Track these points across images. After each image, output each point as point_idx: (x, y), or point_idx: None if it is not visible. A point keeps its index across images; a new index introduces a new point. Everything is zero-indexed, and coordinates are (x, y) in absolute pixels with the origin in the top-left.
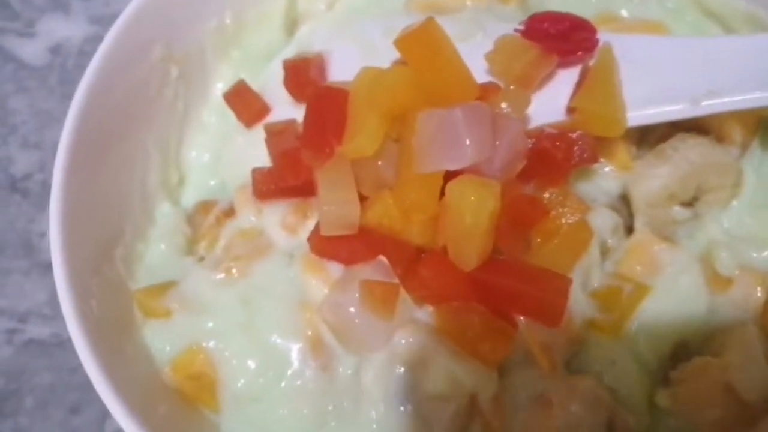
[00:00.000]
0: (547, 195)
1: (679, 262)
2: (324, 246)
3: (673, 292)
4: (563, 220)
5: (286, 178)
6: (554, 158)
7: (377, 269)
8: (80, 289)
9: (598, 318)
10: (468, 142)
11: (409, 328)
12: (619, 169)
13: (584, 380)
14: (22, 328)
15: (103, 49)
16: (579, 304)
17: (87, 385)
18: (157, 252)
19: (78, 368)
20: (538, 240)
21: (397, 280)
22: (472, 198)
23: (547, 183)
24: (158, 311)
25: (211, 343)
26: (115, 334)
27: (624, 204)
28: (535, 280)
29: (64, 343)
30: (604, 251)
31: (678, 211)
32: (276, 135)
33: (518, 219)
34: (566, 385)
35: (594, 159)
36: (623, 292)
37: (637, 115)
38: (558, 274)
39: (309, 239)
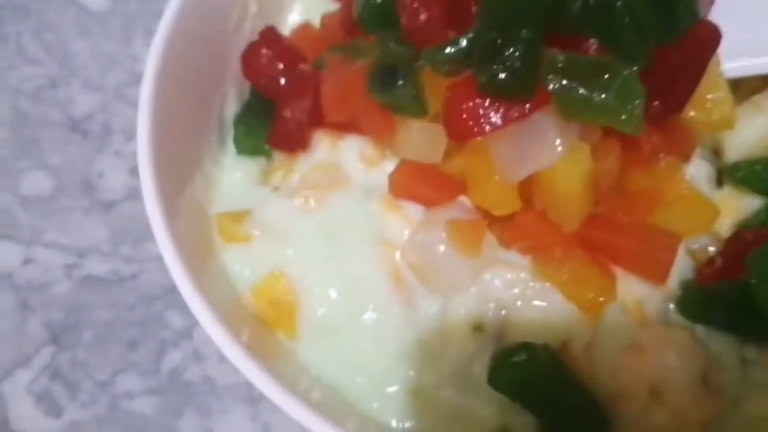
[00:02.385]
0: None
1: None
2: (404, 187)
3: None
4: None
5: (331, 114)
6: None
7: (459, 209)
8: (168, 207)
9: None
10: (558, 141)
11: (503, 267)
12: None
13: (679, 331)
14: (81, 263)
15: None
16: (680, 261)
17: (144, 323)
18: (233, 179)
19: (135, 306)
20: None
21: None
22: (561, 165)
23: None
24: (238, 236)
25: (293, 270)
26: (200, 255)
27: (716, 156)
28: (643, 236)
29: (121, 281)
30: None
31: None
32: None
33: (619, 180)
34: (660, 335)
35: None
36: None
37: (731, 68)
38: (667, 231)
39: (389, 178)
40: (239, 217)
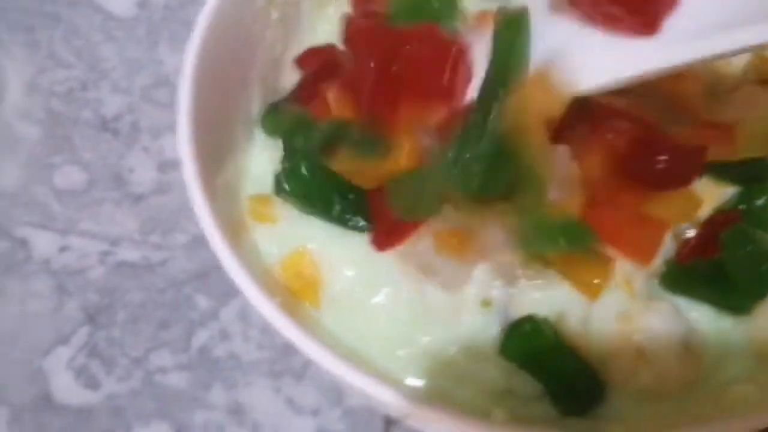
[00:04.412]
0: None
1: None
2: None
3: None
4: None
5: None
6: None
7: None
8: (207, 192)
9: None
10: None
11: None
12: None
13: (663, 302)
14: (114, 251)
15: None
16: (665, 244)
17: (173, 305)
18: (260, 164)
19: (165, 289)
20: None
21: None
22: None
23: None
24: (267, 216)
25: (315, 248)
26: (235, 234)
27: None
28: (635, 221)
29: (152, 266)
30: None
31: None
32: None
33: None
34: (646, 305)
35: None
36: None
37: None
38: (656, 219)
39: None
40: (268, 199)
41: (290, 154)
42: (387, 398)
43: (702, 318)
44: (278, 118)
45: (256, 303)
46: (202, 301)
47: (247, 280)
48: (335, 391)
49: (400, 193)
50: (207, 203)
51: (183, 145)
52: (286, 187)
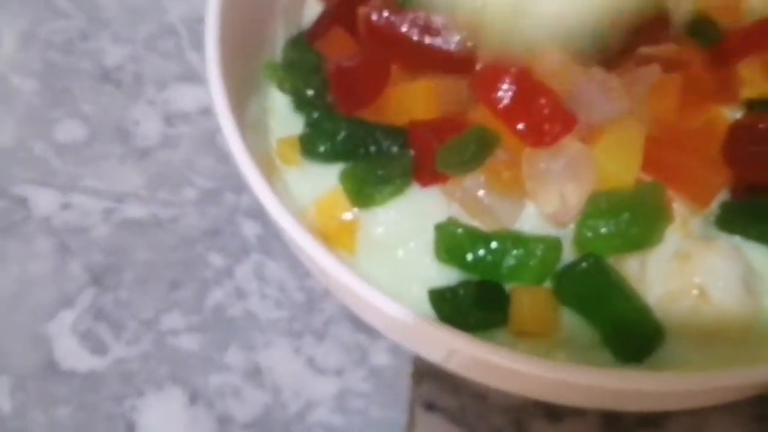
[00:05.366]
0: None
1: None
2: None
3: None
4: None
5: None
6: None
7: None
8: (238, 126)
9: None
10: None
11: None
12: None
13: (721, 240)
14: (119, 208)
15: None
16: None
17: (185, 263)
18: (284, 103)
19: (176, 247)
20: None
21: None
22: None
23: None
24: (296, 161)
25: None
26: (266, 174)
27: None
28: (698, 161)
29: (161, 224)
30: None
31: None
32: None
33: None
34: (704, 243)
35: None
36: None
37: None
38: (717, 165)
39: None
40: (296, 142)
41: (306, 111)
42: (442, 336)
43: (759, 257)
44: (274, 67)
45: (298, 239)
46: (216, 259)
47: (287, 216)
48: (359, 350)
49: (448, 160)
50: (241, 140)
51: (213, 80)
52: (313, 149)
